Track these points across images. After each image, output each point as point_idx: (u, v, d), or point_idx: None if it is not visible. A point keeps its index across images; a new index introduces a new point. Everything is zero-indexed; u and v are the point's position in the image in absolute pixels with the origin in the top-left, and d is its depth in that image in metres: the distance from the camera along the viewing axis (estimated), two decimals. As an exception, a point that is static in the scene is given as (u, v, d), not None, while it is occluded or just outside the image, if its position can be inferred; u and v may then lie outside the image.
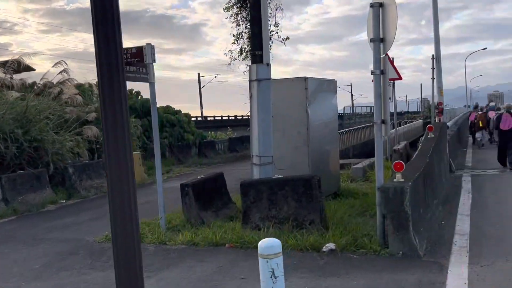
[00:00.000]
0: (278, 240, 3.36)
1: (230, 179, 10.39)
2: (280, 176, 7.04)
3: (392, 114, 19.20)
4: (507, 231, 6.17)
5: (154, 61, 7.31)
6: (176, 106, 23.26)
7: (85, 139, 14.15)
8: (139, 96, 20.88)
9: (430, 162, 7.88)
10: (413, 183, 5.73)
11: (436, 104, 12.54)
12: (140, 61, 7.34)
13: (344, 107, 45.80)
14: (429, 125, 9.83)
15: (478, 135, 20.17)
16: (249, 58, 9.31)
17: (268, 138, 7.60)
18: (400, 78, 14.51)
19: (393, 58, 15.44)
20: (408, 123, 27.59)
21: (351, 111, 66.45)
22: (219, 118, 44.43)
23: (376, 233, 5.79)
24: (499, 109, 20.32)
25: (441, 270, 4.77)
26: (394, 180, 5.70)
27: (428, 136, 9.79)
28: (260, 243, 3.43)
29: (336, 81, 9.96)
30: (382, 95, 5.66)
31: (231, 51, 16.09)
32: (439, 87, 13.16)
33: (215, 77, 50.55)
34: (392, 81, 14.93)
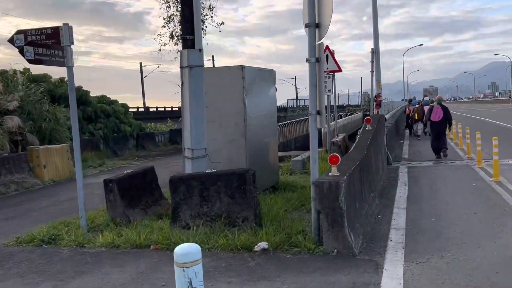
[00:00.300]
0: (197, 246, 2.89)
1: (167, 173, 9.80)
2: (213, 171, 6.57)
3: (332, 107, 19.33)
4: (442, 225, 6.10)
5: (72, 43, 6.57)
6: (118, 97, 22.16)
7: (6, 130, 12.93)
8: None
9: (367, 155, 7.74)
10: (349, 177, 5.48)
11: (374, 96, 12.59)
12: (57, 43, 6.57)
13: (288, 99, 45.98)
14: (367, 117, 9.75)
15: (415, 127, 21.11)
16: (181, 43, 8.75)
17: (201, 130, 7.09)
18: (340, 70, 14.48)
19: (333, 51, 15.40)
20: (349, 115, 28.04)
21: (295, 104, 67.12)
22: (162, 109, 43.06)
23: (311, 230, 5.49)
24: (432, 102, 20.09)
25: (376, 269, 4.53)
26: (330, 174, 5.42)
27: (366, 128, 9.71)
28: (176, 249, 2.95)
29: (274, 71, 9.60)
30: (318, 84, 5.33)
31: (160, 35, 15.03)
32: (378, 80, 13.23)
33: (158, 67, 48.93)
34: (332, 73, 14.92)
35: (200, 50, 6.93)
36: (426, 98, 23.39)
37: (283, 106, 54.22)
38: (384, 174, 10.57)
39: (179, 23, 13.34)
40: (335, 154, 5.46)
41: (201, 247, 2.78)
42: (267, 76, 9.29)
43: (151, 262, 5.03)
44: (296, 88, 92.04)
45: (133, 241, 5.69)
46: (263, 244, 5.27)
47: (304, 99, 69.00)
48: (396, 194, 8.39)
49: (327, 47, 14.91)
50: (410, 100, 25.21)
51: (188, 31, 6.84)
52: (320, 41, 5.48)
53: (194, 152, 7.03)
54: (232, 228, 6.03)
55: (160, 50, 15.21)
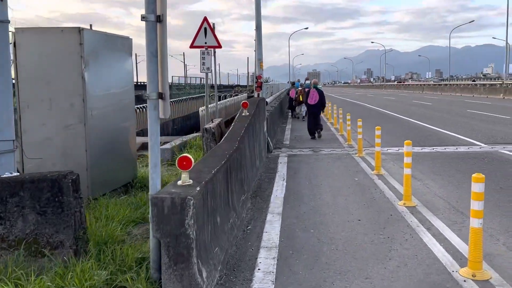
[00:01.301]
0: None
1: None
2: (14, 175, 4.59)
3: (212, 87, 17.80)
4: (322, 241, 4.94)
5: None
6: None
7: None
8: None
9: (240, 147, 6.34)
10: (206, 186, 3.97)
11: (255, 77, 11.31)
12: None
13: (172, 76, 43.38)
14: (244, 101, 8.38)
15: (297, 109, 21.76)
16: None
17: (7, 112, 5.00)
18: (219, 46, 12.99)
19: (214, 24, 13.80)
20: (234, 96, 26.85)
21: (184, 82, 64.26)
22: None
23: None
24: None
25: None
26: (179, 183, 3.85)
27: (243, 114, 8.34)
28: None
29: (131, 39, 7.67)
30: (160, 55, 3.66)
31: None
32: (259, 59, 11.98)
33: None
34: (212, 49, 13.37)
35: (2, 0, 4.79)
36: (307, 82, 23.73)
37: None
38: (263, 166, 9.39)
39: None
40: (186, 155, 3.89)
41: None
42: (120, 45, 7.34)
43: None
44: (185, 65, 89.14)
45: None
46: (73, 291, 3.54)
47: (196, 77, 66.40)
48: (272, 193, 7.18)
49: (205, 18, 13.25)
50: (293, 83, 25.18)
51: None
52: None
53: (-3, 145, 4.94)
54: (40, 259, 4.19)
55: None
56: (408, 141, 6.57)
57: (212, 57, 13.24)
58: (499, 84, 39.71)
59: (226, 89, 64.74)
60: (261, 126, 9.91)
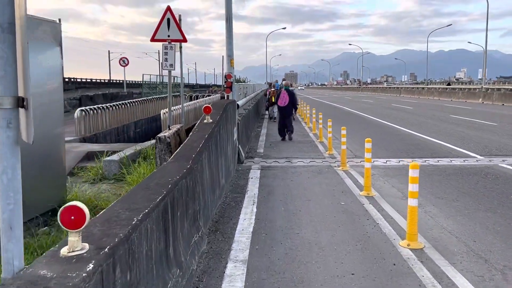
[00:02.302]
0: None
1: None
2: None
3: (178, 85, 16.07)
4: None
5: None
6: None
7: None
8: None
9: (194, 169, 4.73)
10: (111, 256, 2.35)
11: (224, 76, 9.70)
12: None
13: (143, 74, 41.32)
14: (206, 105, 6.76)
15: (270, 109, 21.50)
16: None
17: None
18: (184, 40, 11.35)
19: (180, 16, 12.17)
20: (207, 97, 25.15)
21: (158, 80, 61.86)
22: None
23: None
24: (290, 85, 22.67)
25: None
26: (63, 251, 2.24)
27: (205, 122, 6.73)
28: None
29: (59, 24, 5.98)
30: (21, 47, 2.02)
31: None
32: (229, 56, 10.39)
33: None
34: (177, 43, 11.74)
35: None
36: (278, 83, 23.38)
37: (138, 82, 48.95)
38: (229, 183, 7.80)
39: None
40: (76, 204, 2.28)
41: None
42: (41, 31, 5.63)
43: None
44: (160, 63, 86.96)
45: None
46: None
47: (174, 76, 63.96)
48: (238, 224, 5.61)
49: (168, 8, 11.56)
50: (270, 83, 25.42)
51: None
52: None
53: None
54: None
55: None
56: (414, 163, 5.10)
57: (175, 52, 11.57)
58: (478, 88, 39.25)
59: (203, 89, 62.81)
60: (229, 134, 8.33)
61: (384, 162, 10.09)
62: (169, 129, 7.49)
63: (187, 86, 75.12)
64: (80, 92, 46.23)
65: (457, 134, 14.98)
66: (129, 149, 8.89)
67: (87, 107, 12.45)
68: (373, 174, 8.57)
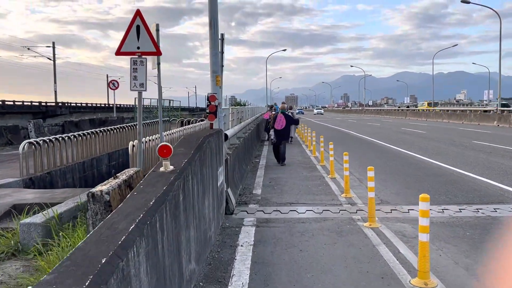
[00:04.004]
0: None
1: None
2: None
3: (175, 109, 13.39)
4: None
5: None
6: None
7: None
8: None
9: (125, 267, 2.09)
10: None
11: (207, 98, 7.08)
12: None
13: (135, 98, 38.82)
14: (163, 144, 4.14)
15: (271, 132, 20.18)
16: None
17: None
18: (158, 52, 8.92)
19: (157, 26, 9.80)
20: (199, 121, 22.65)
21: (156, 103, 59.24)
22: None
23: None
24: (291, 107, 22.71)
25: None
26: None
27: (161, 170, 4.10)
28: None
29: None
30: None
31: None
32: (214, 72, 7.86)
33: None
34: (152, 56, 9.40)
35: None
36: (277, 105, 23.90)
37: (131, 105, 46.43)
38: (206, 260, 5.13)
39: None
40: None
41: None
42: None
43: None
44: (160, 87, 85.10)
45: None
46: None
47: (170, 100, 61.47)
48: None
49: (137, 12, 9.11)
50: (271, 106, 25.24)
51: None
52: None
53: None
54: None
55: None
56: None
57: (146, 67, 9.06)
58: (492, 110, 36.77)
59: (202, 112, 60.48)
60: (208, 182, 5.69)
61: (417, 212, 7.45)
62: (115, 177, 4.93)
63: (186, 109, 72.79)
64: (75, 117, 43.94)
65: (496, 166, 12.34)
66: (70, 201, 6.26)
67: (38, 139, 9.84)
68: (413, 236, 5.94)
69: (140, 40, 8.83)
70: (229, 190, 8.06)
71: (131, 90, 8.95)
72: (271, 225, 6.89)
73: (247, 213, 7.69)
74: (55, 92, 59.90)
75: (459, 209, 7.70)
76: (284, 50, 61.31)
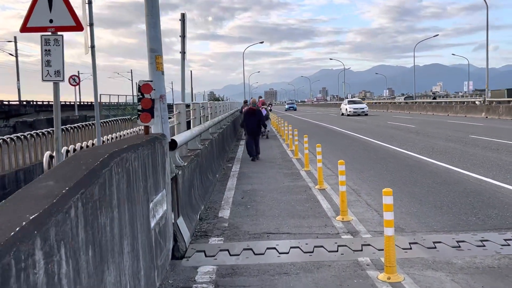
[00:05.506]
0: None
1: None
2: None
3: (113, 107, 10.91)
4: None
5: None
6: None
7: None
8: None
9: None
10: None
11: (138, 88, 4.65)
12: None
13: (100, 94, 35.70)
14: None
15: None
16: None
17: None
18: (80, 28, 6.46)
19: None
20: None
21: (131, 100, 56.08)
22: None
23: None
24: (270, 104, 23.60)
25: None
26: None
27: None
28: None
29: None
30: None
31: None
32: (153, 50, 5.39)
33: None
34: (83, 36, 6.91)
35: None
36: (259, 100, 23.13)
37: (104, 103, 43.26)
38: None
39: None
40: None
41: None
42: None
43: None
44: (133, 82, 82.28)
45: None
46: None
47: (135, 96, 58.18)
48: None
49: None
50: (246, 101, 24.58)
51: None
52: None
53: None
54: None
55: None
56: None
57: (62, 46, 6.60)
58: (479, 101, 35.26)
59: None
60: (125, 231, 3.30)
61: (454, 246, 5.21)
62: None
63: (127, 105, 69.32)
64: (43, 116, 40.57)
65: (507, 166, 10.25)
66: None
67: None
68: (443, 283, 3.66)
69: (53, 11, 6.36)
70: (180, 220, 5.66)
71: (42, 80, 6.43)
72: (237, 281, 4.51)
73: (205, 255, 5.30)
74: (19, 90, 56.13)
75: (504, 240, 5.47)
76: (261, 42, 59.00)
